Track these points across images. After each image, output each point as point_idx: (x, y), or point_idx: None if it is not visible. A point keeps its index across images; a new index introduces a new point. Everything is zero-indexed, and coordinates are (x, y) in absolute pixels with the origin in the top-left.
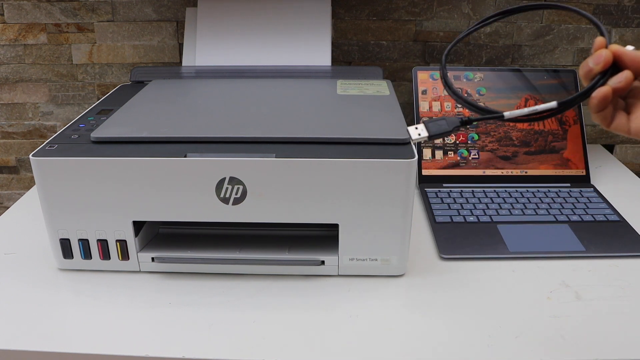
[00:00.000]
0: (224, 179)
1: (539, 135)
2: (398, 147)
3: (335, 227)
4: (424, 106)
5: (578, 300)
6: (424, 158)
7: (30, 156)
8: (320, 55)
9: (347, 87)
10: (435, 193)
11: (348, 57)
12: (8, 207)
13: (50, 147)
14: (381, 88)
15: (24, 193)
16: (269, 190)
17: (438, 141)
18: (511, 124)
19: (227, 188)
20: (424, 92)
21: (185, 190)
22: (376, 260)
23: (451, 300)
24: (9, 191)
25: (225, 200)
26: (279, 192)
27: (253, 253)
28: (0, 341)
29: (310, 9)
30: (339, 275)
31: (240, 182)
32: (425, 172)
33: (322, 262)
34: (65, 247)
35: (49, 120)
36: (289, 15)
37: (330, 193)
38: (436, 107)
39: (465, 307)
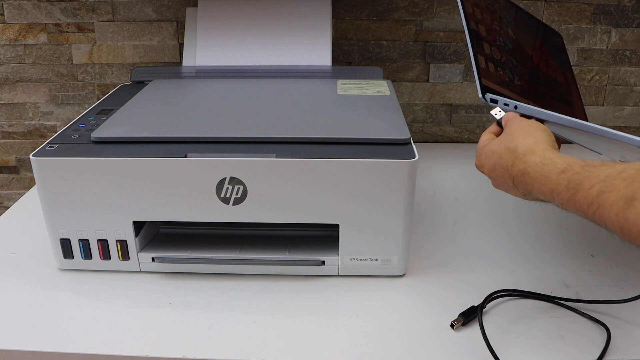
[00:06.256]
0: (225, 179)
1: None
2: (399, 147)
3: (335, 227)
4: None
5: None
6: (481, 65)
7: (30, 156)
8: (320, 55)
9: (348, 87)
10: None
11: (348, 57)
12: (8, 207)
13: (50, 147)
14: (381, 88)
15: (24, 193)
16: (270, 190)
17: (488, 52)
18: None
19: (227, 188)
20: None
21: (186, 191)
22: (377, 260)
23: (451, 301)
24: (9, 191)
25: (225, 201)
26: (280, 192)
27: (253, 253)
28: (0, 341)
29: (311, 9)
30: (339, 276)
31: (240, 182)
32: (484, 82)
33: (323, 262)
34: (66, 247)
35: (49, 120)
36: (289, 15)
37: (331, 193)
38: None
39: (466, 307)
